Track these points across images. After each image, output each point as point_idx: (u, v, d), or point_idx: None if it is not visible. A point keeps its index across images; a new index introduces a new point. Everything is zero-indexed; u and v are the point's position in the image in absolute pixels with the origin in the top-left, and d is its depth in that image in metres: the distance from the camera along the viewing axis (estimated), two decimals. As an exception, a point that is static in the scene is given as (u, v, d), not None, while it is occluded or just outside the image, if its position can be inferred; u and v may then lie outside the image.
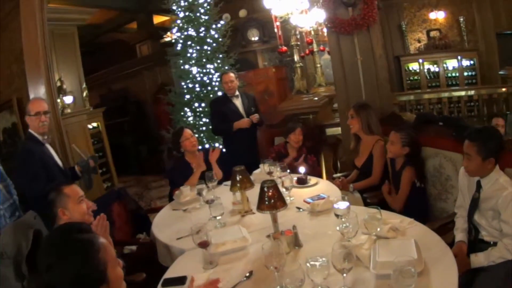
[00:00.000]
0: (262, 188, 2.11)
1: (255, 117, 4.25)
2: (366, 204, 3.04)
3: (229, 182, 3.20)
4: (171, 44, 6.36)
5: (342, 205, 2.12)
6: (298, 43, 5.16)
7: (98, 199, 3.19)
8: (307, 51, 6.31)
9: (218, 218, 2.53)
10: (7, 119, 4.53)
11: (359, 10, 3.84)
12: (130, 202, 3.37)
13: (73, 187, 2.19)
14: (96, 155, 3.87)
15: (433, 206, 2.98)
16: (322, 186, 3.08)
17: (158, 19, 9.59)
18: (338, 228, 2.11)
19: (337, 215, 2.11)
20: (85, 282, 1.10)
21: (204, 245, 1.95)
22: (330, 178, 3.96)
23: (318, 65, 7.21)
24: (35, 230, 2.14)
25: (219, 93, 5.80)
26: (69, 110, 5.83)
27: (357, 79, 4.00)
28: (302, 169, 3.23)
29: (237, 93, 4.37)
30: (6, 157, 4.44)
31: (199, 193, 3.03)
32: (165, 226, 2.72)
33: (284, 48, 5.00)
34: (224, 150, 4.45)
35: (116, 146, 7.60)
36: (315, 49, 6.13)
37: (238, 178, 2.68)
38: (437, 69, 9.17)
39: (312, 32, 5.82)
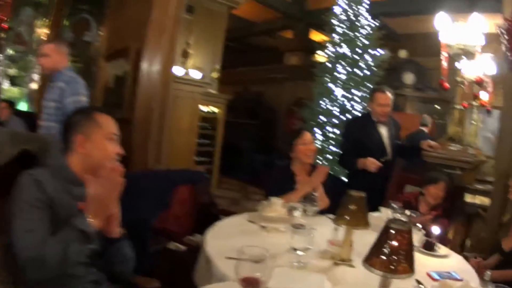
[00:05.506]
0: (386, 230, 1.19)
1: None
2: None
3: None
4: (321, 63, 6.02)
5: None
6: (464, 81, 4.02)
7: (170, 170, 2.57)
8: (465, 103, 5.01)
9: (299, 253, 1.64)
10: (121, 66, 4.27)
11: None
12: (205, 193, 2.66)
13: (109, 118, 1.51)
14: None
15: None
16: (453, 262, 2.10)
17: (314, 35, 9.30)
18: None
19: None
20: None
21: (249, 284, 1.09)
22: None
23: (474, 122, 6.02)
24: None
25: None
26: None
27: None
28: (436, 230, 2.26)
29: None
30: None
31: (290, 211, 2.22)
32: (226, 235, 1.95)
33: (447, 84, 3.93)
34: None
35: (229, 146, 7.18)
36: (480, 96, 4.88)
37: (350, 207, 1.77)
38: None
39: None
